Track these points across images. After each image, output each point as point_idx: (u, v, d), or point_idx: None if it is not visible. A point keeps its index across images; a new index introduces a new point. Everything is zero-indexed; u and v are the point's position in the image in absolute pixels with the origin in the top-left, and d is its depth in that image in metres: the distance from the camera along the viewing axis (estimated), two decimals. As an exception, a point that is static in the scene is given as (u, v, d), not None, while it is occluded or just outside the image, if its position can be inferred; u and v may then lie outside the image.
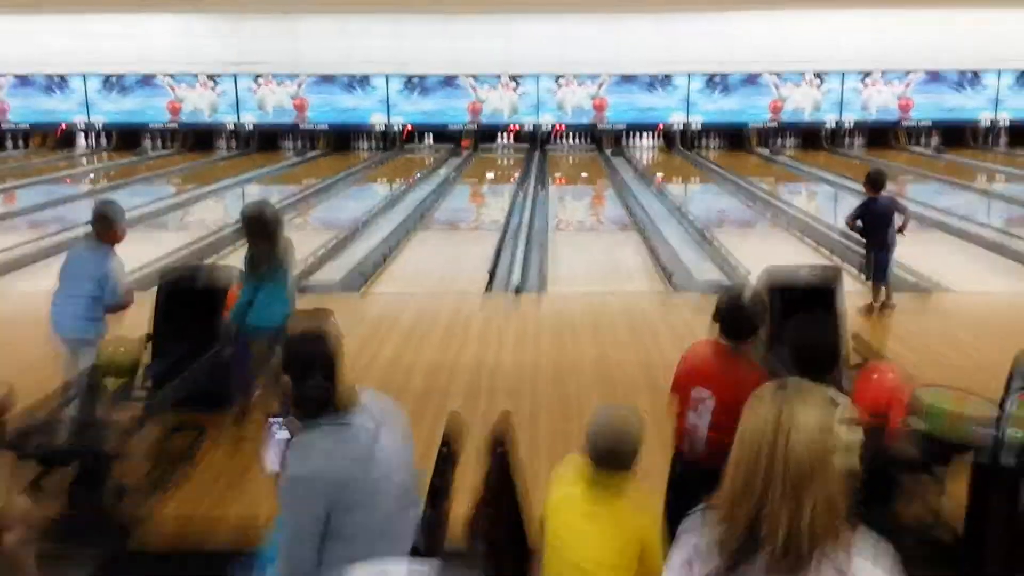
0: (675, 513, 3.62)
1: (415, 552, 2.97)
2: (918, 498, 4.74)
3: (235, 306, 5.75)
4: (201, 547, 4.70)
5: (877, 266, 8.59)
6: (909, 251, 9.46)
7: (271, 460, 3.25)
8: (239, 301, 5.76)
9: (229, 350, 5.86)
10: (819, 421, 1.86)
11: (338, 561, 2.81)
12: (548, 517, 3.09)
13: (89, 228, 6.06)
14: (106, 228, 5.99)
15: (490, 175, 23.24)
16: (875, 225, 8.54)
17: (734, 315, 3.77)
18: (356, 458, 2.84)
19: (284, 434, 3.24)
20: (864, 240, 8.78)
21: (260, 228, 5.84)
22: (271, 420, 3.34)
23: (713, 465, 3.48)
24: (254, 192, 19.59)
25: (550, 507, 3.11)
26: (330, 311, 3.06)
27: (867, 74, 25.80)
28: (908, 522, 4.65)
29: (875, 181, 8.71)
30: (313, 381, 2.88)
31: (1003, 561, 3.29)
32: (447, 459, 3.51)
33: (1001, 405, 3.35)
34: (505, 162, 24.81)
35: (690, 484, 3.60)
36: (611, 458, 3.06)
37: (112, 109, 26.22)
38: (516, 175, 21.64)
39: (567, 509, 3.06)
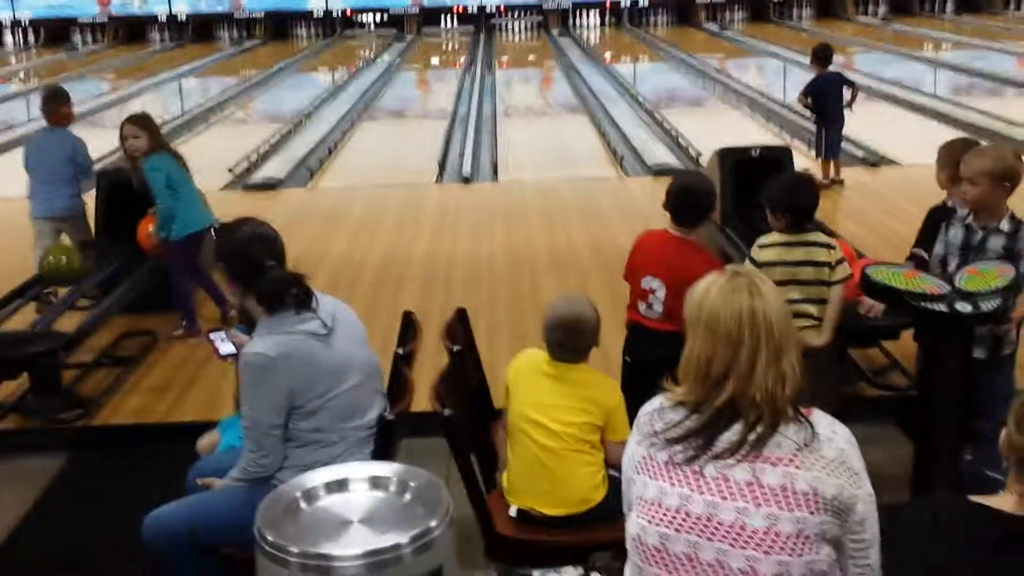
0: (632, 396, 3.68)
1: (381, 420, 3.01)
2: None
3: (163, 217, 5.52)
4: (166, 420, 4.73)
5: (827, 143, 8.61)
6: (857, 124, 9.46)
7: (225, 347, 3.25)
8: (165, 211, 5.52)
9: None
10: (780, 295, 2.01)
11: (303, 435, 2.86)
12: (511, 388, 3.16)
13: (41, 114, 6.34)
14: (60, 106, 6.28)
15: (435, 60, 22.76)
16: (824, 101, 8.54)
17: (683, 201, 3.79)
18: (320, 335, 2.90)
19: (229, 347, 3.22)
20: (814, 116, 8.78)
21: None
22: (211, 335, 3.31)
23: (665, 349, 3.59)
24: (192, 85, 19.02)
25: (512, 378, 3.17)
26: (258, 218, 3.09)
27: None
28: (863, 370, 4.80)
29: (822, 56, 8.73)
30: (274, 273, 2.92)
31: (954, 407, 3.40)
32: (408, 327, 3.51)
33: (950, 282, 3.39)
34: (450, 46, 24.28)
35: (642, 365, 3.74)
36: (569, 347, 3.07)
37: (39, 4, 25.16)
38: (462, 59, 21.21)
39: (529, 381, 3.11)
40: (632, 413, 2.24)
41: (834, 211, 7.59)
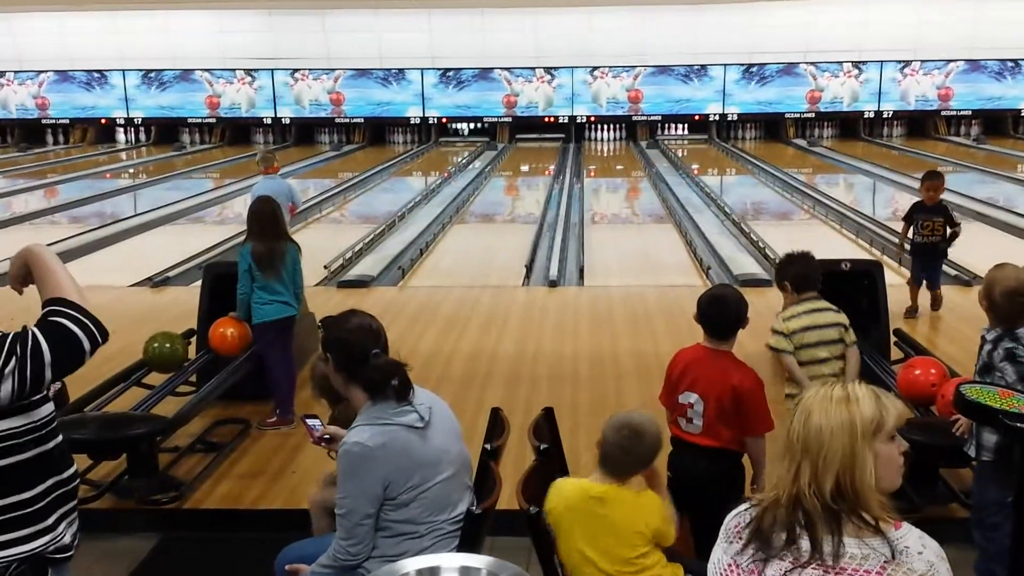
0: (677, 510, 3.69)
1: (468, 515, 3.07)
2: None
3: (239, 301, 5.79)
4: (255, 506, 4.82)
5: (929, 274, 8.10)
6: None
7: (320, 431, 3.36)
8: (241, 295, 5.79)
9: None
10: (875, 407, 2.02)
11: (394, 526, 2.93)
12: (558, 521, 3.11)
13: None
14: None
15: (525, 168, 23.25)
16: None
17: (715, 314, 3.83)
18: (417, 427, 2.99)
19: (322, 431, 3.33)
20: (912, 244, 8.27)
21: (273, 224, 5.90)
22: (307, 420, 3.43)
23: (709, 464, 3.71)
24: (293, 186, 19.70)
25: (558, 511, 3.12)
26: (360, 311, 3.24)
27: (906, 63, 25.51)
28: (955, 490, 4.67)
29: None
30: (379, 360, 3.05)
31: None
32: (496, 423, 3.58)
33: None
34: (540, 155, 24.80)
35: (686, 481, 3.81)
36: (621, 461, 3.10)
37: (151, 104, 26.52)
38: (551, 167, 21.64)
39: (578, 518, 3.09)
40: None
41: (928, 330, 7.49)
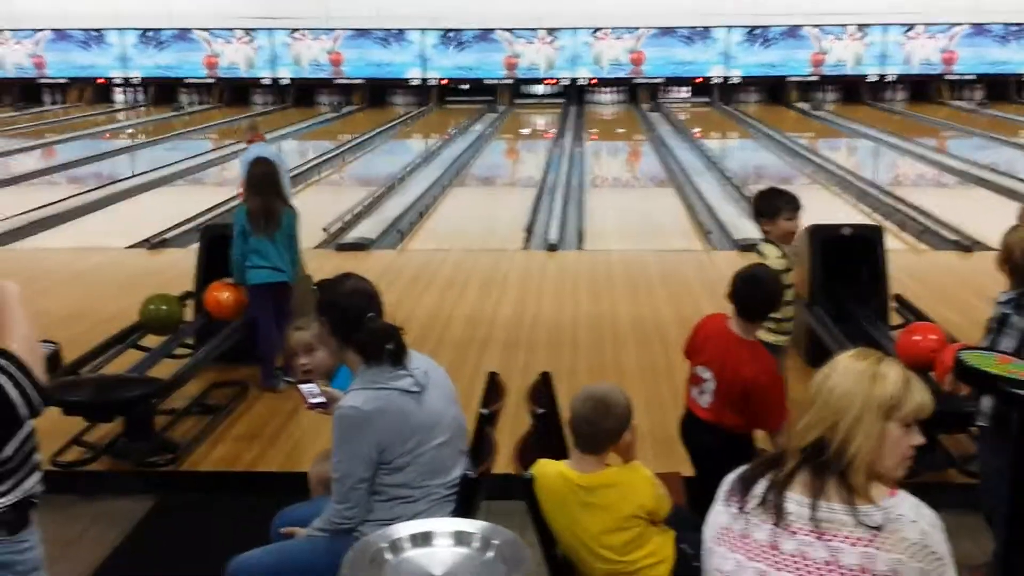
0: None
1: (464, 479, 3.06)
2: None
3: (234, 264, 5.74)
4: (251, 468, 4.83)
5: None
6: (951, 206, 9.31)
7: (314, 397, 3.33)
8: (235, 259, 5.74)
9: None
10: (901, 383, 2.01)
11: (389, 490, 2.93)
12: (545, 507, 3.02)
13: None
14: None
15: (526, 130, 23.12)
16: None
17: (749, 296, 3.74)
18: (413, 392, 2.97)
19: (319, 398, 3.31)
20: None
21: (270, 184, 5.85)
22: (301, 385, 3.41)
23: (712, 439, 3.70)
24: (291, 147, 19.64)
25: (542, 498, 3.01)
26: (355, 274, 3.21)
27: (910, 27, 25.28)
28: (953, 456, 4.67)
29: None
30: (374, 323, 3.02)
31: None
32: (493, 388, 3.55)
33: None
34: (541, 117, 24.66)
35: (690, 451, 3.87)
36: (595, 437, 2.98)
37: (149, 64, 26.32)
38: (552, 130, 21.51)
39: (563, 511, 2.98)
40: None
41: (928, 296, 7.45)
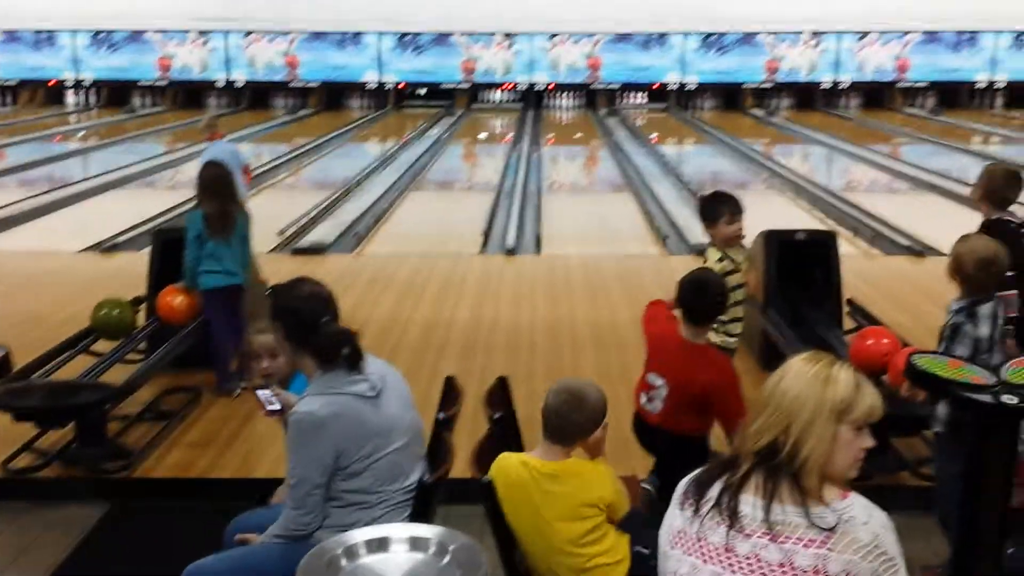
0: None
1: (420, 484, 3.05)
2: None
3: (186, 268, 5.67)
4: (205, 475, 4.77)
5: None
6: (903, 211, 9.46)
7: (271, 404, 3.29)
8: (188, 261, 5.67)
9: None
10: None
11: (345, 496, 2.94)
12: (504, 500, 2.99)
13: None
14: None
15: (483, 135, 23.12)
16: None
17: (695, 300, 3.76)
18: (369, 397, 2.95)
19: (276, 404, 3.27)
20: None
21: (225, 187, 5.79)
22: (258, 392, 3.37)
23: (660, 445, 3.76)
24: (246, 150, 19.44)
25: (501, 492, 2.99)
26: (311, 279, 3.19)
27: (864, 34, 25.65)
28: (905, 459, 4.73)
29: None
30: (329, 328, 2.99)
31: (997, 501, 3.34)
32: (450, 392, 3.54)
33: (995, 373, 3.37)
34: (498, 121, 24.66)
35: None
36: (566, 430, 2.99)
37: (101, 66, 25.96)
38: (510, 134, 21.53)
39: (522, 501, 2.97)
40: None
41: (881, 300, 7.55)
